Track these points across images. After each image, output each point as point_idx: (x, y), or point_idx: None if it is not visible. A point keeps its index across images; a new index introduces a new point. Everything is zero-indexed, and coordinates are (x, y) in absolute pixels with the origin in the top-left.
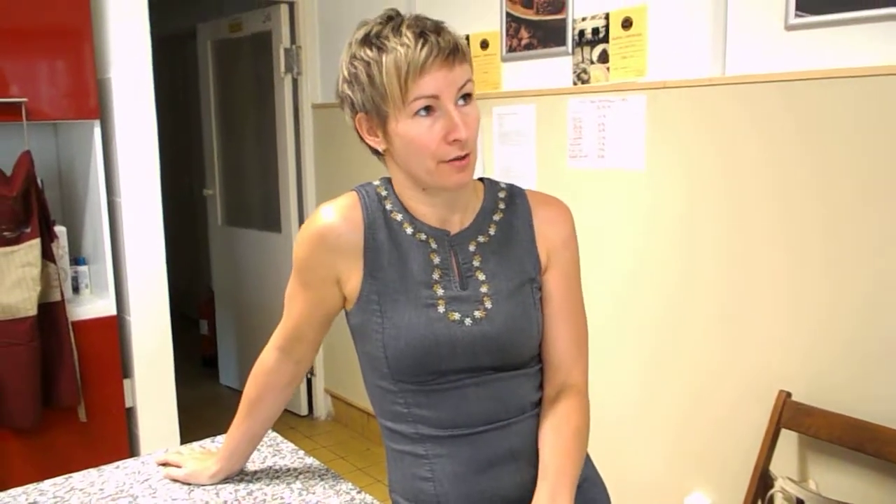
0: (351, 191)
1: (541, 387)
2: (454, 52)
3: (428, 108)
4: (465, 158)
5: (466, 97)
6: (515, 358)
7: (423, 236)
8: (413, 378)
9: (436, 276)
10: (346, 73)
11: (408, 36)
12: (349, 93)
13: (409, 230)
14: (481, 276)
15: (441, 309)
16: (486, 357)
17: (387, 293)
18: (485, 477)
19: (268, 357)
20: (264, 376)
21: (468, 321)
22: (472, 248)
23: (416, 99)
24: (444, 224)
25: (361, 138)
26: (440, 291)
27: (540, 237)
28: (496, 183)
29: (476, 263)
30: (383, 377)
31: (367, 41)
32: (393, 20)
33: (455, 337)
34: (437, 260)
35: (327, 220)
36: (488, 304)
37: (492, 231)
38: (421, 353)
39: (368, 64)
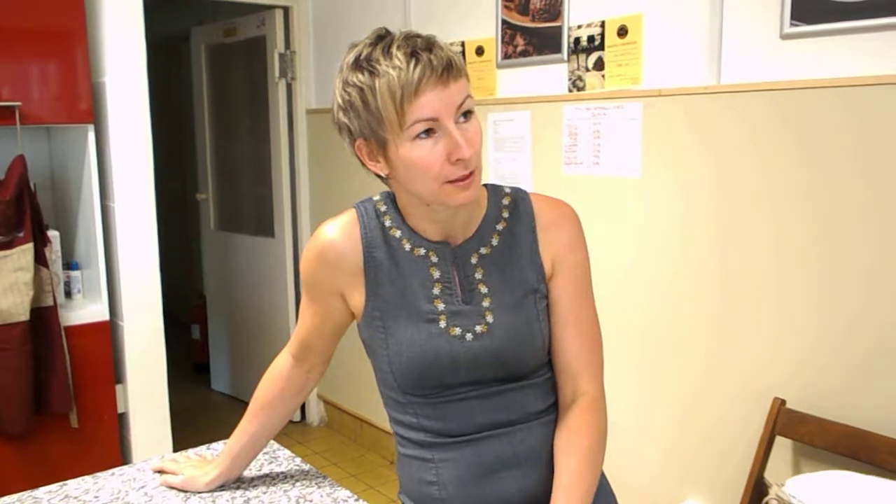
0: (351, 207)
1: (549, 394)
2: (448, 68)
3: (428, 131)
4: (469, 177)
5: (467, 114)
6: (520, 370)
7: (423, 251)
8: (419, 391)
9: (436, 290)
10: (340, 100)
11: (398, 57)
12: (345, 120)
13: (408, 246)
14: (483, 290)
15: (442, 324)
16: (488, 371)
17: (388, 310)
18: (489, 482)
19: (281, 362)
20: (275, 381)
21: (469, 336)
22: (473, 260)
23: (415, 123)
24: (447, 238)
25: (363, 164)
26: (441, 306)
27: (543, 244)
28: (500, 188)
29: (478, 276)
30: (392, 389)
31: (357, 66)
32: (383, 40)
33: (456, 352)
34: (437, 274)
35: (327, 238)
36: (489, 318)
37: (494, 241)
38: (423, 368)
39: (361, 90)
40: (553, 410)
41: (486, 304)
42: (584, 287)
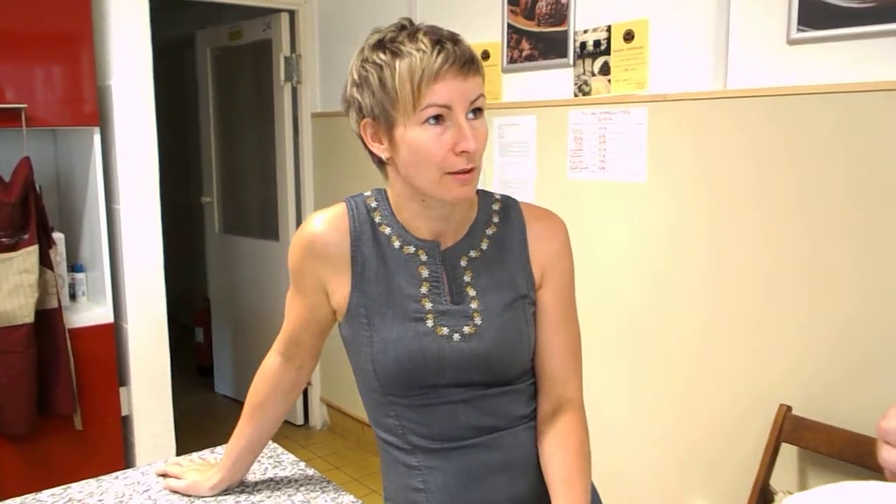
0: (341, 201)
1: (532, 400)
2: (469, 62)
3: (438, 118)
4: (469, 172)
5: (477, 111)
6: (505, 375)
7: (412, 249)
8: (402, 392)
9: (424, 289)
10: (355, 76)
11: (424, 42)
12: (357, 96)
13: (397, 244)
14: (472, 292)
15: (430, 323)
16: (474, 373)
17: (374, 307)
18: (477, 489)
19: (270, 362)
20: (266, 381)
21: (457, 336)
22: (463, 263)
23: (428, 106)
24: (438, 237)
25: (365, 145)
26: (428, 305)
27: (534, 253)
28: (490, 194)
29: (467, 279)
30: (374, 389)
31: (380, 46)
32: (407, 28)
33: (443, 352)
34: (425, 273)
35: (315, 229)
36: (478, 321)
37: (484, 246)
38: (409, 367)
39: (381, 67)
40: (534, 416)
41: (474, 305)
42: (571, 295)
